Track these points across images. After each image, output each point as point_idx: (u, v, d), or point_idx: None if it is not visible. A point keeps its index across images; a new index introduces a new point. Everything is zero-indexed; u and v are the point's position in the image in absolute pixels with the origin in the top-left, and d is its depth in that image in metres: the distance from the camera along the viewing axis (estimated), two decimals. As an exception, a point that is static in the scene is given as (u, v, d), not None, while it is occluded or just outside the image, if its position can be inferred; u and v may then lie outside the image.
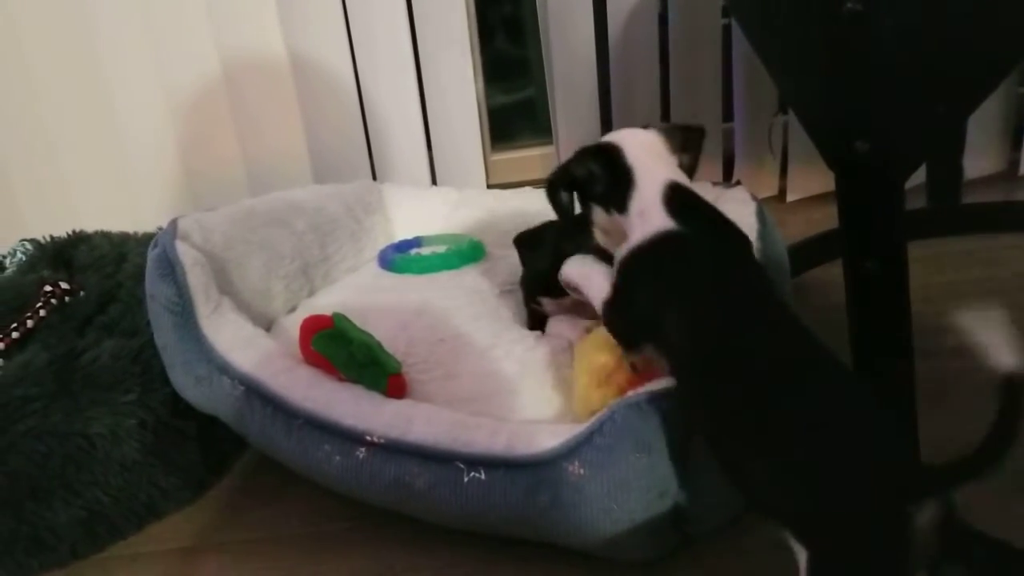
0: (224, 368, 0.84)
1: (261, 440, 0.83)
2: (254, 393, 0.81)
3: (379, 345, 0.85)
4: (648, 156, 0.72)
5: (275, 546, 0.84)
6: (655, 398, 0.65)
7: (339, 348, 0.83)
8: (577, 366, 0.79)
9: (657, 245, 0.66)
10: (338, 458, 0.75)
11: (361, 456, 0.74)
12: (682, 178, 0.71)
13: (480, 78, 1.74)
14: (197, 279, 0.88)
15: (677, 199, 0.67)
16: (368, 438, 0.74)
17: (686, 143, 0.75)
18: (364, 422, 0.75)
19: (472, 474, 0.69)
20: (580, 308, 0.92)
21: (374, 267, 1.29)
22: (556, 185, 0.72)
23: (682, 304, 0.63)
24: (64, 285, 1.02)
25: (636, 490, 0.65)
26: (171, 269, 0.88)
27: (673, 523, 0.69)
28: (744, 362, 0.57)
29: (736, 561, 0.75)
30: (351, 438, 0.75)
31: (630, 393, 0.67)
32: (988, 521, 0.68)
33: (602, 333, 0.76)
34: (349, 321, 0.86)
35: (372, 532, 0.82)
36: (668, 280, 0.65)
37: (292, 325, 0.99)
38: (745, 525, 0.76)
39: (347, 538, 0.83)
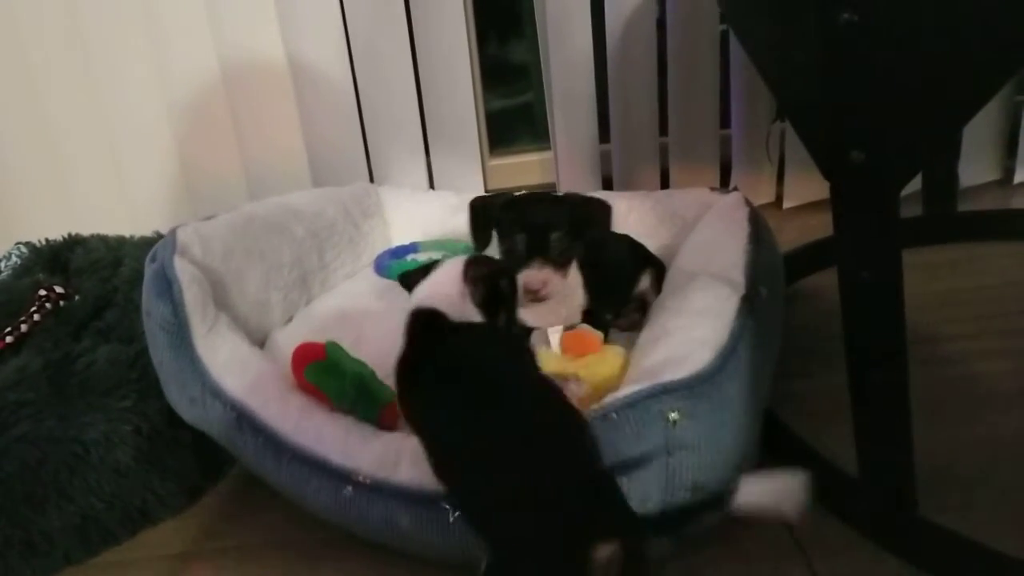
0: (217, 392, 0.84)
1: (252, 465, 0.83)
2: (245, 421, 0.81)
3: (372, 375, 0.85)
4: (431, 285, 0.79)
5: (270, 553, 0.84)
6: (623, 407, 0.65)
7: (332, 380, 0.84)
8: None
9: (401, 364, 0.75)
10: (325, 495, 0.75)
11: (348, 495, 0.74)
12: (448, 307, 0.75)
13: (478, 83, 1.74)
14: (194, 297, 0.88)
15: (420, 326, 0.75)
16: (355, 478, 0.74)
17: (474, 273, 0.78)
18: (352, 460, 0.75)
19: (458, 514, 0.68)
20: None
21: (371, 273, 1.29)
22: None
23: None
24: (59, 289, 1.02)
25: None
26: (168, 287, 0.88)
27: (658, 530, 0.69)
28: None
29: (730, 569, 0.75)
30: (338, 476, 0.75)
31: (594, 407, 0.68)
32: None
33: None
34: (342, 350, 0.87)
35: (366, 540, 0.81)
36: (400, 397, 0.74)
37: (288, 339, 0.99)
38: (738, 533, 0.77)
39: (342, 545, 0.83)
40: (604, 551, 0.51)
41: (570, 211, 0.94)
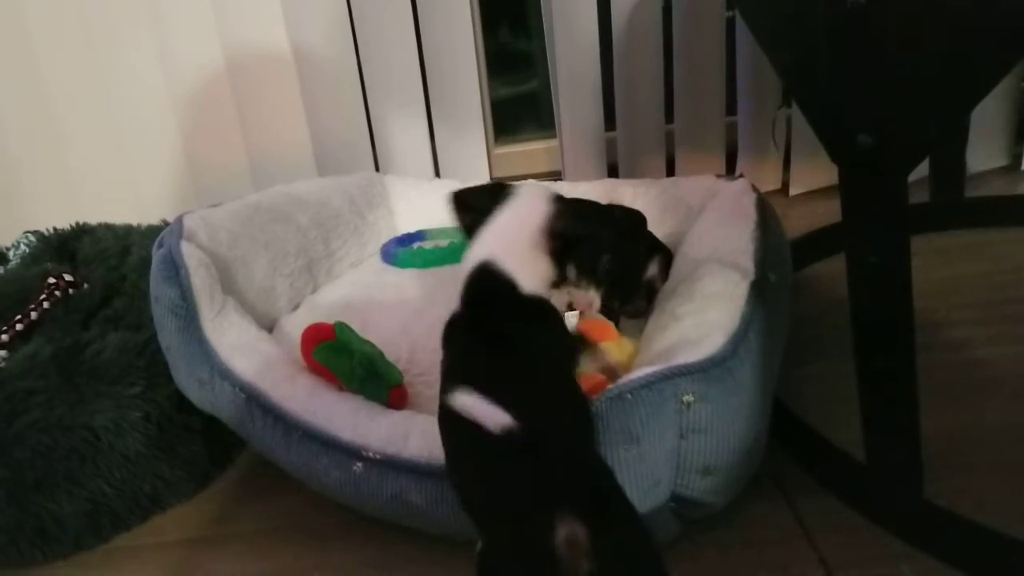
0: (226, 374, 0.84)
1: (261, 447, 0.84)
2: (255, 402, 0.82)
3: (380, 355, 0.85)
4: (503, 229, 0.74)
5: (278, 538, 0.85)
6: (639, 388, 0.65)
7: (341, 360, 0.84)
8: None
9: (448, 323, 0.72)
10: (336, 472, 0.75)
11: (358, 471, 0.74)
12: (514, 259, 0.71)
13: (484, 71, 1.73)
14: (202, 281, 0.89)
15: (480, 279, 0.72)
16: (365, 453, 0.74)
17: (563, 231, 0.74)
18: (361, 437, 0.75)
19: None
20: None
21: (377, 261, 1.29)
22: (456, 199, 0.79)
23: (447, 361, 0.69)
24: (68, 277, 1.02)
25: (629, 481, 0.65)
26: (175, 271, 0.88)
27: (671, 511, 0.69)
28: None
29: (738, 536, 0.76)
30: (348, 453, 0.75)
31: (610, 386, 0.68)
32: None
33: None
34: (351, 331, 0.87)
35: (376, 523, 0.82)
36: (448, 352, 0.70)
37: (294, 326, 0.99)
38: (746, 518, 0.77)
39: (351, 530, 0.83)
40: (562, 531, 0.52)
41: (617, 227, 0.94)
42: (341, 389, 0.83)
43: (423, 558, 0.79)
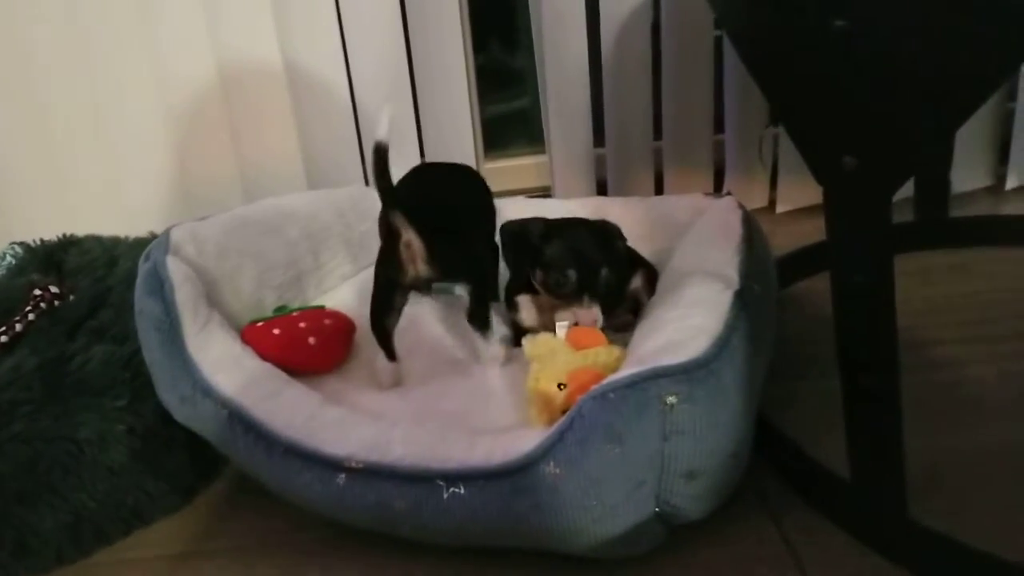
0: (208, 391, 0.84)
1: (244, 463, 0.84)
2: (236, 418, 0.82)
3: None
4: None
5: (263, 553, 0.84)
6: (622, 387, 0.66)
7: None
8: (528, 392, 0.83)
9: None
10: (319, 486, 0.76)
11: (341, 482, 0.74)
12: None
13: (474, 87, 1.74)
14: (186, 296, 0.89)
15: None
16: (347, 464, 0.74)
17: None
18: (343, 447, 0.76)
19: (452, 490, 0.69)
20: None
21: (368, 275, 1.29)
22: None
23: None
24: (54, 289, 1.02)
25: (613, 483, 0.65)
26: (160, 286, 0.88)
27: (656, 516, 0.69)
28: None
29: (723, 554, 0.76)
30: (331, 465, 0.75)
31: (593, 387, 0.68)
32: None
33: (556, 367, 0.82)
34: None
35: (361, 538, 0.82)
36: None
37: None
38: (731, 534, 0.77)
39: (335, 544, 0.83)
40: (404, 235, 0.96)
41: (606, 241, 0.95)
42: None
43: (410, 570, 0.78)
